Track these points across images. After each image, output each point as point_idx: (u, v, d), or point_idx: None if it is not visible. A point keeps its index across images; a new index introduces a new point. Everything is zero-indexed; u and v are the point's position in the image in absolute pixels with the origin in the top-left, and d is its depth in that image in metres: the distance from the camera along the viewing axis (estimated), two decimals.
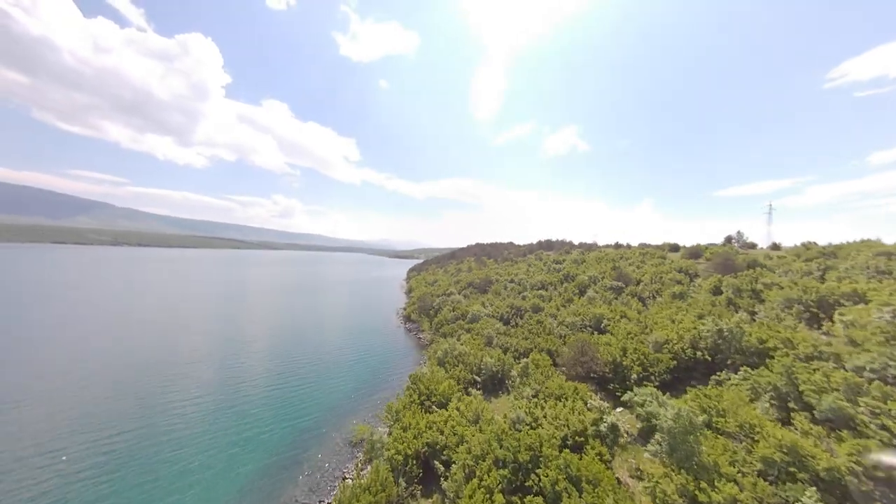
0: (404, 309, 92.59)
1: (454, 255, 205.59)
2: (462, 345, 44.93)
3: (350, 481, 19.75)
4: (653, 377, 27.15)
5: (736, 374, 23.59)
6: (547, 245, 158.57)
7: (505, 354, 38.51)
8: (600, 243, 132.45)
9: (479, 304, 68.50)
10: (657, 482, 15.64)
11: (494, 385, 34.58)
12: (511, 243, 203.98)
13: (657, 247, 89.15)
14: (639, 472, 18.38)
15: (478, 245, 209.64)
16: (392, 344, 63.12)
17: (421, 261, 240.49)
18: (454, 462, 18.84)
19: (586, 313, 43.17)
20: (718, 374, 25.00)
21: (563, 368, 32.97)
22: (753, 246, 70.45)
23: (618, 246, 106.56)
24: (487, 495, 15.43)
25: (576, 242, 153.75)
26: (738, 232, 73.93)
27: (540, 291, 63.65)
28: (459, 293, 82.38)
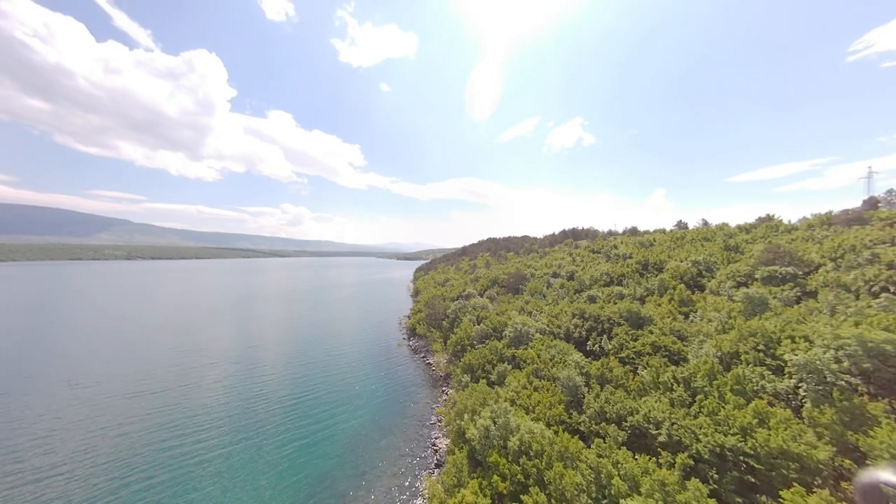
0: (408, 317, 69.72)
1: (465, 252, 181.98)
2: (515, 406, 21.47)
3: None
4: None
5: None
6: (573, 234, 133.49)
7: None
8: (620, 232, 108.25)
9: (516, 309, 44.93)
10: None
11: None
12: (526, 237, 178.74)
13: (719, 227, 63.64)
14: None
15: (490, 240, 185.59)
16: (389, 379, 39.88)
17: (428, 261, 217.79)
18: None
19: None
20: None
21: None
22: None
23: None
24: None
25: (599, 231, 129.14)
26: (891, 190, 48.63)
27: (614, 290, 39.58)
28: (482, 294, 59.11)
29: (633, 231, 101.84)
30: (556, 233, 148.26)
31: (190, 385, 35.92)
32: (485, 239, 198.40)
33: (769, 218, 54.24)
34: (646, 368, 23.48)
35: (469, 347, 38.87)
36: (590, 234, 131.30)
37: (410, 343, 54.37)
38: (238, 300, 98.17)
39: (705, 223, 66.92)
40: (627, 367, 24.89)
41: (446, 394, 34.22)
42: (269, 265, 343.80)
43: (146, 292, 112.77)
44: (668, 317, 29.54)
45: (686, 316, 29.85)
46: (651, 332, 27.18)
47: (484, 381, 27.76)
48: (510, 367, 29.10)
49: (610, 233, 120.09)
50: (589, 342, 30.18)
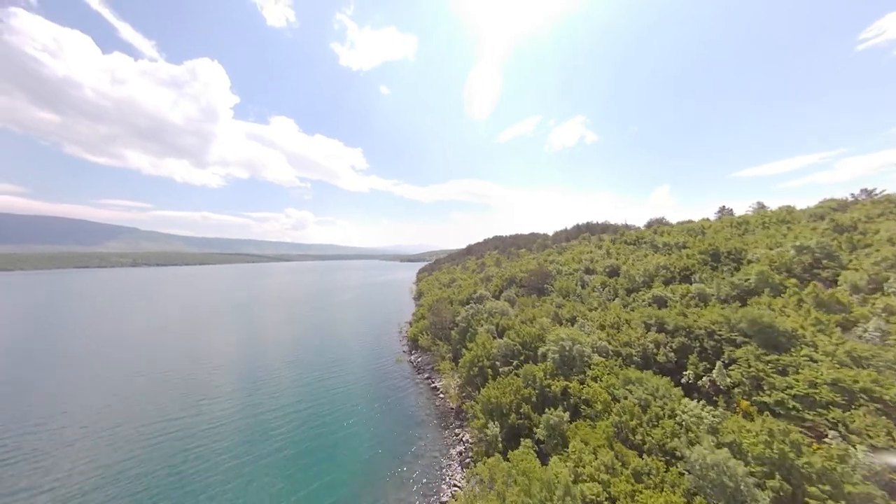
0: (410, 324, 58.74)
1: (470, 251, 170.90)
2: None
3: None
4: None
5: None
6: (587, 229, 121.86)
7: None
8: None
9: (547, 315, 33.70)
10: None
11: None
12: (535, 233, 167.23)
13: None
14: None
15: (497, 238, 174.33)
16: (384, 414, 28.73)
17: (432, 262, 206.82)
18: None
19: None
20: None
21: None
22: None
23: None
24: None
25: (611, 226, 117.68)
26: None
27: (690, 289, 28.19)
28: (497, 296, 48.07)
29: (658, 222, 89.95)
30: (569, 228, 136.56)
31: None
32: (490, 237, 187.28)
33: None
34: (837, 430, 12.27)
35: (489, 371, 27.72)
36: (606, 228, 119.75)
37: (412, 358, 43.23)
38: (230, 307, 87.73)
39: (761, 206, 55.17)
40: (785, 422, 13.71)
41: (463, 449, 22.97)
42: (274, 269, 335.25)
43: (142, 299, 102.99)
44: (818, 330, 18.18)
45: (845, 329, 18.54)
46: (812, 360, 15.86)
47: (527, 442, 16.63)
48: (565, 413, 18.01)
49: (626, 227, 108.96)
50: (688, 371, 18.89)
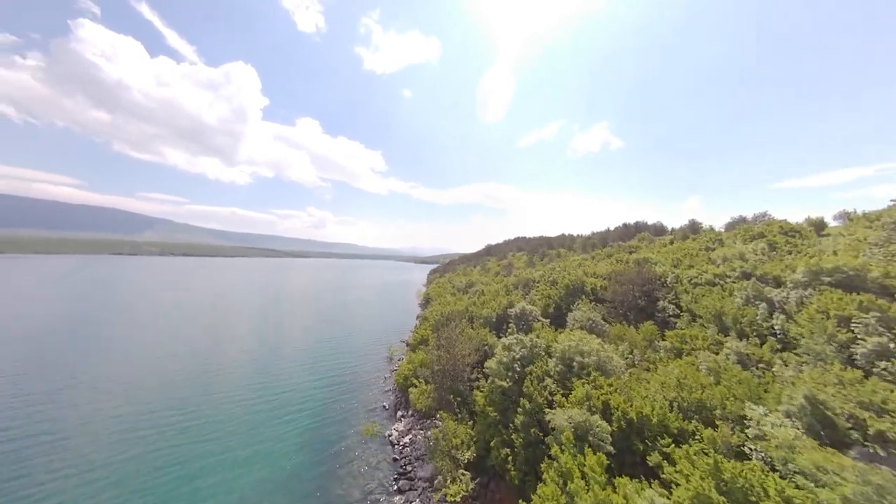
0: (407, 344, 38.32)
1: (489, 252, 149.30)
2: None
3: None
4: None
5: None
6: (635, 229, 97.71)
7: None
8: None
9: (708, 370, 12.55)
10: None
11: None
12: (565, 235, 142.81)
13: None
14: None
15: (520, 239, 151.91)
16: None
17: (446, 263, 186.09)
18: None
19: None
20: None
21: None
22: None
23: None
24: None
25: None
26: None
27: None
28: (553, 314, 26.74)
29: (738, 222, 64.86)
30: (609, 229, 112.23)
31: None
32: (512, 238, 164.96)
33: None
34: None
35: None
36: (658, 230, 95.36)
37: (395, 430, 22.26)
38: (227, 305, 70.11)
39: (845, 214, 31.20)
40: None
41: None
42: (292, 265, 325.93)
43: (149, 287, 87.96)
44: None
45: None
46: None
47: None
48: None
49: (683, 228, 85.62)
50: None
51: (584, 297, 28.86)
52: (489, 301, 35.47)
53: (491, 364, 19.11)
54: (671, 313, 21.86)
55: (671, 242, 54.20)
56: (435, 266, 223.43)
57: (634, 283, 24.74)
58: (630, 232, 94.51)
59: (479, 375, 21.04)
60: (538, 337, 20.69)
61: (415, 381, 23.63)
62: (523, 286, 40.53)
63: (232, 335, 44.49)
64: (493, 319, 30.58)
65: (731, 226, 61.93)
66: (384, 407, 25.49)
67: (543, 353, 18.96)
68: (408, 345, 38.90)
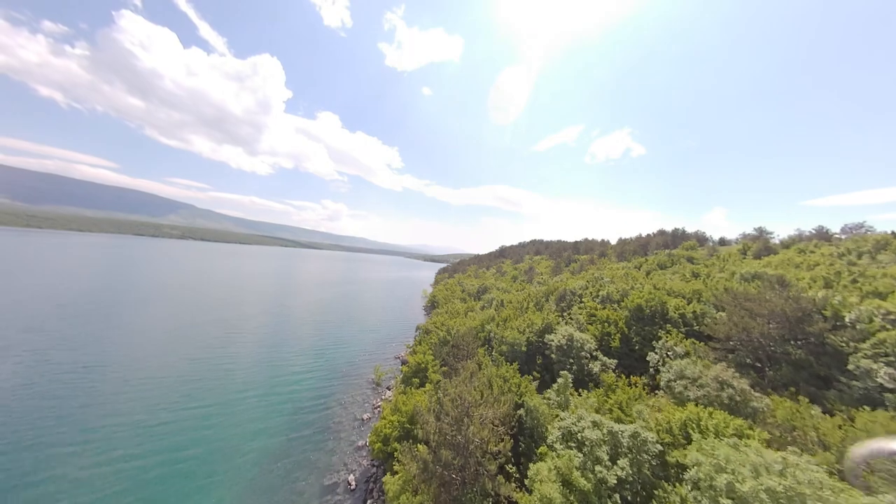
0: (403, 360, 29.13)
1: (504, 253, 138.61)
2: None
3: None
4: None
5: None
6: (672, 237, 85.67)
7: None
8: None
9: None
10: None
11: None
12: (589, 240, 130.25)
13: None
14: None
15: (538, 241, 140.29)
16: None
17: (456, 262, 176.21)
18: None
19: None
20: None
21: None
22: None
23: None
24: None
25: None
26: None
27: None
28: (602, 346, 16.82)
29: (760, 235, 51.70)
30: (642, 235, 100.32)
31: None
32: (528, 241, 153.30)
33: None
34: None
35: None
36: (700, 238, 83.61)
37: None
38: (228, 289, 63.04)
39: None
40: None
41: None
42: (305, 255, 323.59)
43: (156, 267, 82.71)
44: None
45: None
46: None
47: None
48: None
49: (722, 241, 73.66)
50: None
51: (668, 325, 18.51)
52: (513, 318, 25.48)
53: (544, 488, 9.25)
54: (882, 381, 11.48)
55: (743, 252, 42.65)
56: (444, 265, 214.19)
57: (778, 317, 14.41)
58: (671, 240, 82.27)
59: (509, 460, 11.26)
60: (635, 418, 10.65)
61: (399, 455, 14.00)
62: (558, 299, 30.27)
63: (188, 344, 36.12)
64: (523, 348, 20.62)
65: (795, 239, 49.28)
66: (348, 484, 15.97)
67: (654, 462, 8.97)
68: (402, 363, 29.47)
